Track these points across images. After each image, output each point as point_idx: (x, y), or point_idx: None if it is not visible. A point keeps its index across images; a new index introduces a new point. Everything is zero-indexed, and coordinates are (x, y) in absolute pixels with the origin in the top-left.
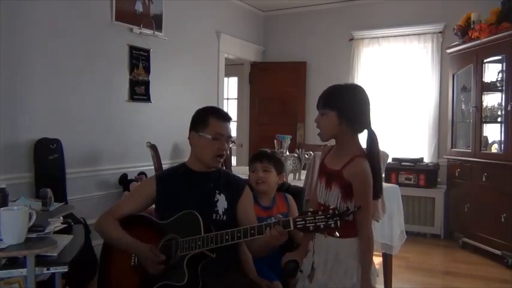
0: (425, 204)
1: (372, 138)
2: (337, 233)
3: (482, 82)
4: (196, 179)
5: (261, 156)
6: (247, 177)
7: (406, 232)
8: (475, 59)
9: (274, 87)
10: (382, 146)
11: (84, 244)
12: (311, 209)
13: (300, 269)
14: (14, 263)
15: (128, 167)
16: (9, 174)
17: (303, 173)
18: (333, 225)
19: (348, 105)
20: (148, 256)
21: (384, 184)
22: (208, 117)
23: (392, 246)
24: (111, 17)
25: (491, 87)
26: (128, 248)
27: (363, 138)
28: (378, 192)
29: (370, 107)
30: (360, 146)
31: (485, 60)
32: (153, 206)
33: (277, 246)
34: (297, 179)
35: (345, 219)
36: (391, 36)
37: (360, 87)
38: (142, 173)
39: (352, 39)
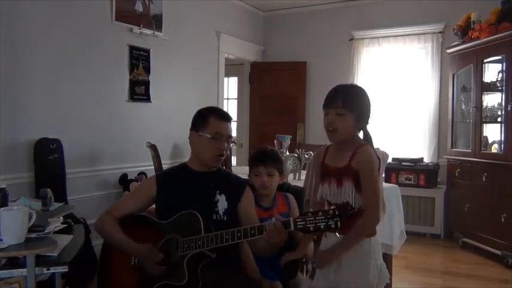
0: (425, 204)
1: (368, 137)
2: (337, 233)
3: (482, 82)
4: (196, 179)
5: (265, 159)
6: (247, 178)
7: (406, 232)
8: (475, 59)
9: (274, 87)
10: (382, 146)
11: (84, 244)
12: (312, 209)
13: (313, 266)
14: (14, 263)
15: (128, 167)
16: (9, 174)
17: (303, 173)
18: (333, 225)
19: (365, 110)
20: (147, 256)
21: (384, 184)
22: (209, 117)
23: (392, 246)
24: (111, 17)
25: (491, 87)
26: (126, 248)
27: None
28: None
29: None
30: (360, 138)
31: (485, 60)
32: (154, 205)
33: (279, 245)
34: (297, 179)
35: (344, 218)
36: (391, 36)
37: (365, 90)
38: (142, 173)
39: (352, 39)
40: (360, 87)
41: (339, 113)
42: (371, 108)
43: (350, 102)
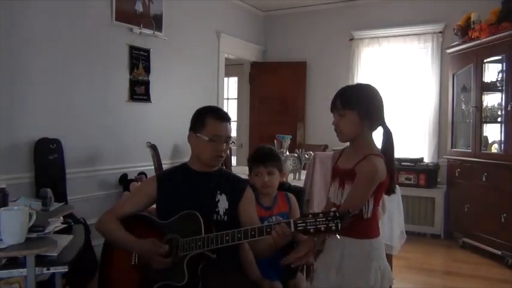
0: (425, 204)
1: (388, 136)
2: (337, 235)
3: (482, 82)
4: (197, 179)
5: (264, 159)
6: (248, 178)
7: (406, 232)
8: (475, 59)
9: (274, 87)
10: None
11: (84, 244)
12: (312, 211)
13: (312, 268)
14: (14, 263)
15: (127, 167)
16: (9, 174)
17: (303, 173)
18: (333, 227)
19: (368, 104)
20: (151, 249)
21: None
22: (206, 118)
23: (392, 246)
24: (111, 17)
25: (491, 87)
26: (129, 246)
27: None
28: (392, 188)
29: (384, 104)
30: (375, 145)
31: (485, 60)
32: (154, 205)
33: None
34: (297, 179)
35: (347, 220)
36: (391, 36)
37: (373, 86)
38: (142, 173)
39: (352, 39)
40: (361, 85)
41: (340, 113)
42: (380, 103)
43: (348, 101)
